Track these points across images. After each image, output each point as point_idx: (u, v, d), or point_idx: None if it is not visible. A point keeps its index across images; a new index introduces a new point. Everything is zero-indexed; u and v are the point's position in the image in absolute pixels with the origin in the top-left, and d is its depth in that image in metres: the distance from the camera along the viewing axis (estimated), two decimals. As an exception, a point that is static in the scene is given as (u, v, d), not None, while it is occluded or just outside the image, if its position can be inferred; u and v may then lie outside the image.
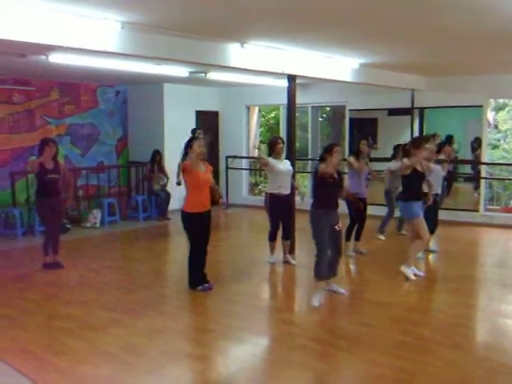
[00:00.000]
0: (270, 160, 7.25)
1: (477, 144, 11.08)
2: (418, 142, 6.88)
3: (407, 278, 6.66)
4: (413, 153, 6.69)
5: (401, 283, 6.62)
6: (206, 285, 6.34)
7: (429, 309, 6.17)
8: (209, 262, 6.54)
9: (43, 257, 7.42)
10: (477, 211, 10.74)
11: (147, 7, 5.17)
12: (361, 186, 7.92)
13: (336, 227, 5.95)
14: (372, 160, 8.94)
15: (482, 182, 10.88)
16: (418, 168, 6.68)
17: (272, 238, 7.53)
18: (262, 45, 7.04)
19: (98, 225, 10.74)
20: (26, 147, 10.44)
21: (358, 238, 8.15)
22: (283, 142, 7.46)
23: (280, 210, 7.31)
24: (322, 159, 5.86)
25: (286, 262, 7.60)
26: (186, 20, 5.71)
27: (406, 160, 6.75)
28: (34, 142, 9.87)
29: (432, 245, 8.08)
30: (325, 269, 5.93)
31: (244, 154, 13.27)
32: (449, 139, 10.10)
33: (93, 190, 11.47)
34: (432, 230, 7.63)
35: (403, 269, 6.71)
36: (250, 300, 6.46)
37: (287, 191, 7.29)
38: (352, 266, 7.75)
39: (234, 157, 13.05)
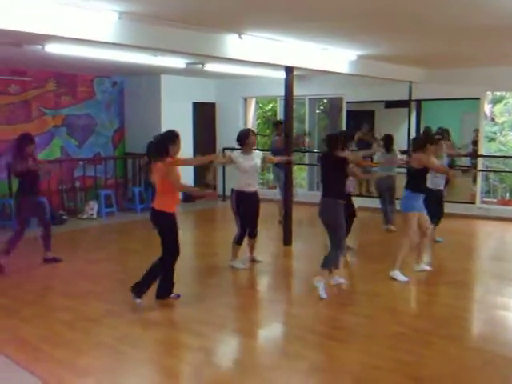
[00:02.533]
0: (235, 157, 6.91)
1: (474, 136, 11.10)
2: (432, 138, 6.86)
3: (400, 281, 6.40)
4: (428, 147, 6.56)
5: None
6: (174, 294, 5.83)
7: (425, 300, 6.19)
8: (212, 253, 6.50)
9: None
10: (473, 203, 10.77)
11: (145, -3, 5.15)
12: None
13: None
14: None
15: (479, 174, 10.89)
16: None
17: (240, 241, 7.05)
18: (259, 36, 7.02)
19: (94, 216, 10.73)
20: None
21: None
22: (255, 134, 7.21)
23: (246, 207, 6.91)
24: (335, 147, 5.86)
25: (253, 260, 7.30)
26: (183, 10, 5.68)
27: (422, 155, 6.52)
28: (31, 133, 9.83)
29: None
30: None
31: (241, 146, 13.18)
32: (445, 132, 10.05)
33: (89, 182, 11.44)
34: (437, 222, 7.90)
35: (392, 274, 6.47)
36: (247, 291, 6.50)
37: (254, 188, 6.99)
38: (349, 259, 7.76)
39: (231, 149, 12.96)
